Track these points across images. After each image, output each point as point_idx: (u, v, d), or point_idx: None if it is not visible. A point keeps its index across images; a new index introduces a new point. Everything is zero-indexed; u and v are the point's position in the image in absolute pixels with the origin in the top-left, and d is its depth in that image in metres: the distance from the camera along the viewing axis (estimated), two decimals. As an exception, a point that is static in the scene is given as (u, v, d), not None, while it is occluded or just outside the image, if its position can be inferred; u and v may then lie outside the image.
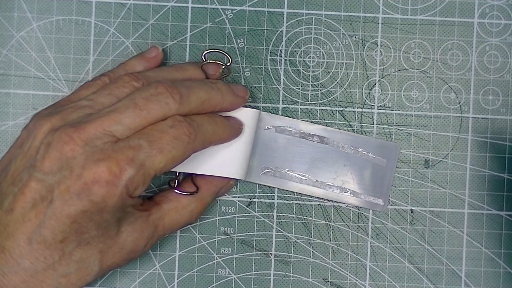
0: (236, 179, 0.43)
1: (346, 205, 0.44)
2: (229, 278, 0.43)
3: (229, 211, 0.44)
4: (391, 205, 0.44)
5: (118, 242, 0.37)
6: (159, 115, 0.36)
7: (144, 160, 0.35)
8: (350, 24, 0.44)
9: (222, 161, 0.40)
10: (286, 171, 0.43)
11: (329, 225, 0.43)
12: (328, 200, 0.43)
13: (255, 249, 0.43)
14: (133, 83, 0.38)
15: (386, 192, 0.43)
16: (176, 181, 0.41)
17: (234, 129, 0.40)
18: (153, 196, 0.41)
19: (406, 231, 0.43)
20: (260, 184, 0.43)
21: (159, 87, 0.37)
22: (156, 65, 0.42)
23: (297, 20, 0.44)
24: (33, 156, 0.36)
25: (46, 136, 0.36)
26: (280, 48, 0.44)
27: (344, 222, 0.43)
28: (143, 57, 0.42)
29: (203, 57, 0.42)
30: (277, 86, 0.44)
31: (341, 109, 0.44)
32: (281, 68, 0.44)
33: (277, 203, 0.43)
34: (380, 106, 0.44)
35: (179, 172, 0.41)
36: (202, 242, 0.43)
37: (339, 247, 0.43)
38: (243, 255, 0.44)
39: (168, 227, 0.40)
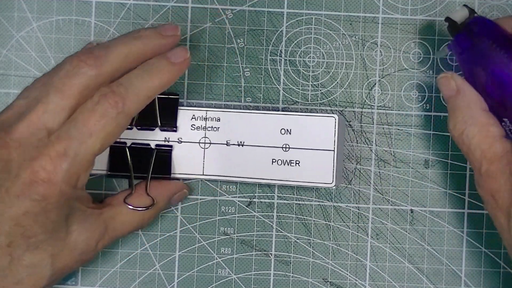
0: (190, 190, 0.43)
1: (346, 205, 0.44)
2: (229, 278, 0.43)
3: (229, 211, 0.44)
4: (391, 205, 0.44)
5: (69, 244, 0.36)
6: (81, 89, 0.35)
7: (77, 149, 0.35)
8: (350, 24, 0.44)
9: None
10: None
11: (329, 225, 0.43)
12: (327, 201, 0.43)
13: (255, 249, 0.43)
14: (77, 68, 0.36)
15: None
16: (131, 194, 0.41)
17: (173, 66, 0.38)
18: (105, 198, 0.41)
19: (406, 231, 0.43)
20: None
21: (73, 60, 0.36)
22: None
23: (297, 20, 0.44)
24: None
25: None
26: (280, 48, 0.44)
27: (344, 222, 0.43)
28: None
29: None
30: (277, 86, 0.44)
31: (341, 109, 0.44)
32: (281, 68, 0.44)
33: (277, 203, 0.43)
34: (380, 106, 0.44)
35: (133, 187, 0.41)
36: (202, 242, 0.43)
37: (339, 247, 0.43)
38: (243, 255, 0.44)
39: (119, 228, 0.39)
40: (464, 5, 0.39)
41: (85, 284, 0.43)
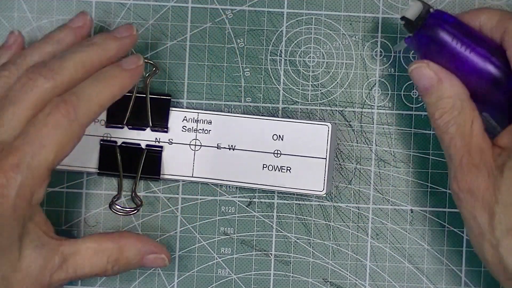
0: (168, 257, 0.41)
1: (346, 205, 0.44)
2: (229, 278, 0.43)
3: (229, 211, 0.44)
4: (391, 205, 0.44)
5: (21, 268, 0.34)
6: (36, 101, 0.35)
7: (30, 162, 0.34)
8: (350, 24, 0.44)
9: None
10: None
11: (329, 225, 0.43)
12: (327, 201, 0.43)
13: (255, 249, 0.43)
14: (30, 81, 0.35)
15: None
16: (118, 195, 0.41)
17: (126, 72, 0.38)
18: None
19: (406, 231, 0.43)
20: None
21: (29, 73, 0.35)
22: (84, 36, 0.40)
23: (297, 20, 0.44)
24: None
25: None
26: (280, 48, 0.44)
27: (344, 222, 0.43)
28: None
29: None
30: (277, 86, 0.44)
31: (341, 109, 0.44)
32: (281, 68, 0.44)
33: (277, 203, 0.43)
34: (380, 106, 0.44)
35: (121, 187, 0.41)
36: (202, 242, 0.43)
37: (339, 247, 0.43)
38: (243, 255, 0.44)
39: (80, 268, 0.36)
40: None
41: (85, 284, 0.43)
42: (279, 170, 0.42)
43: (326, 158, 0.42)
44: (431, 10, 0.37)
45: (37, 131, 0.34)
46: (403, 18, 0.37)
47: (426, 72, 0.36)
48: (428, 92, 0.37)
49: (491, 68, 0.35)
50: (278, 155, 0.42)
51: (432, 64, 0.36)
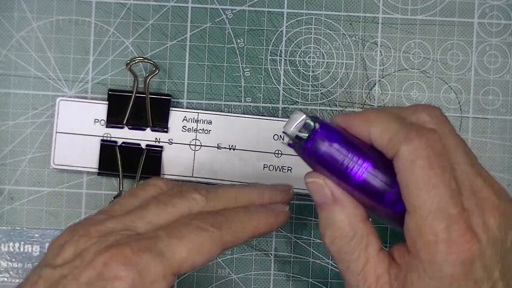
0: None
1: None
2: (229, 278, 0.43)
3: (229, 211, 0.43)
4: (391, 205, 0.43)
5: None
6: (184, 211, 0.34)
7: (162, 249, 0.31)
8: (350, 24, 0.44)
9: None
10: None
11: (329, 225, 0.43)
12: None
13: (255, 249, 0.43)
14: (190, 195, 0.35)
15: None
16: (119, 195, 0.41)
17: (272, 214, 0.36)
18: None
19: (406, 231, 0.43)
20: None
21: (188, 187, 0.35)
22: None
23: (297, 20, 0.44)
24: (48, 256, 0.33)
25: (65, 235, 0.33)
26: (280, 48, 0.44)
27: (344, 222, 0.43)
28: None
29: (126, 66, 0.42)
30: (277, 86, 0.44)
31: (341, 109, 0.44)
32: (281, 68, 0.44)
33: (277, 203, 0.43)
34: (380, 106, 0.44)
35: (122, 187, 0.41)
36: (202, 242, 0.43)
37: (339, 247, 0.43)
38: (243, 255, 0.44)
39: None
40: (300, 110, 0.33)
41: (85, 284, 0.43)
42: (280, 170, 0.42)
43: None
44: (316, 125, 0.32)
45: (180, 226, 0.33)
46: (284, 133, 0.33)
47: (321, 189, 0.33)
48: (322, 209, 0.33)
49: (378, 184, 0.32)
50: (279, 155, 0.42)
51: (328, 182, 0.33)
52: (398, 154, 0.30)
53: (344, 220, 0.32)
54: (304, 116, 0.32)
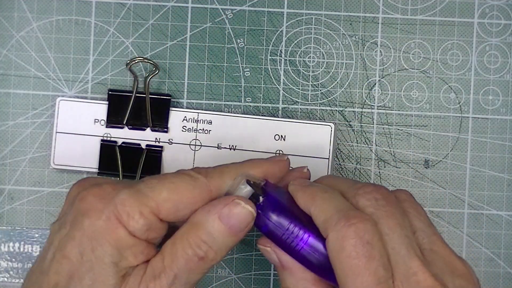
0: None
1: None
2: (229, 278, 0.43)
3: (229, 211, 0.43)
4: (391, 205, 0.43)
5: None
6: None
7: (140, 187, 0.32)
8: (350, 24, 0.44)
9: None
10: None
11: (329, 225, 0.43)
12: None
13: (255, 249, 0.43)
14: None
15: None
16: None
17: (275, 163, 0.36)
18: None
19: (406, 231, 0.43)
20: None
21: (183, 170, 0.34)
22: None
23: (297, 20, 0.44)
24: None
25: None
26: (280, 48, 0.44)
27: (344, 222, 0.43)
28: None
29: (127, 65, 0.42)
30: (277, 86, 0.44)
31: (341, 109, 0.44)
32: (281, 68, 0.44)
33: (277, 203, 0.43)
34: (380, 106, 0.44)
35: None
36: (202, 242, 0.43)
37: (339, 247, 0.43)
38: (243, 255, 0.43)
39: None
40: (246, 176, 0.33)
41: (85, 284, 0.43)
42: None
43: (329, 158, 0.42)
44: (260, 199, 0.33)
45: (165, 174, 0.33)
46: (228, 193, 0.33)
47: (269, 256, 0.34)
48: (277, 270, 0.34)
49: (316, 260, 0.32)
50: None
51: (275, 249, 0.33)
52: (328, 239, 0.31)
53: (295, 284, 0.33)
54: (249, 189, 0.33)
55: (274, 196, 0.33)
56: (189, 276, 0.32)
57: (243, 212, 0.32)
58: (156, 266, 0.32)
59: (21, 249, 0.43)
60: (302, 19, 0.44)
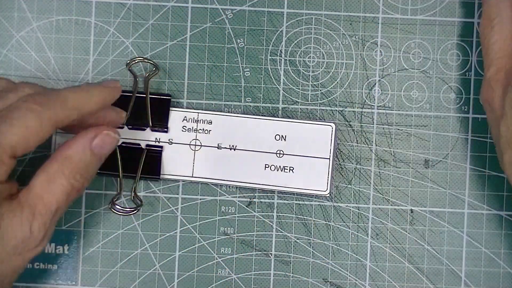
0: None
1: (346, 205, 0.44)
2: (229, 278, 0.43)
3: (229, 211, 0.44)
4: (391, 205, 0.44)
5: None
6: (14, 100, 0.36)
7: None
8: (350, 24, 0.44)
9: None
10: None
11: (329, 225, 0.43)
12: (327, 201, 0.43)
13: (255, 249, 0.43)
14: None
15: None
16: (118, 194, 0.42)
17: (106, 88, 0.38)
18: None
19: (406, 231, 0.43)
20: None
21: (19, 84, 0.37)
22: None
23: (297, 20, 0.44)
24: None
25: None
26: (280, 48, 0.44)
27: (344, 222, 0.43)
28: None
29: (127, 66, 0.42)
30: (277, 86, 0.44)
31: (341, 109, 0.44)
32: (281, 68, 0.44)
33: (277, 203, 0.43)
34: (380, 106, 0.44)
35: (121, 187, 0.42)
36: (202, 242, 0.43)
37: (339, 247, 0.43)
38: (243, 255, 0.44)
39: (48, 206, 0.35)
40: None
41: (85, 284, 0.43)
42: (281, 170, 0.42)
43: (329, 159, 0.42)
44: None
45: (11, 111, 0.34)
46: None
47: None
48: None
49: None
50: (281, 155, 0.42)
51: None
52: None
53: (499, 2, 0.39)
54: None
55: None
56: (66, 207, 0.36)
57: (114, 142, 0.38)
58: (34, 203, 0.35)
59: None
60: (302, 19, 0.44)
